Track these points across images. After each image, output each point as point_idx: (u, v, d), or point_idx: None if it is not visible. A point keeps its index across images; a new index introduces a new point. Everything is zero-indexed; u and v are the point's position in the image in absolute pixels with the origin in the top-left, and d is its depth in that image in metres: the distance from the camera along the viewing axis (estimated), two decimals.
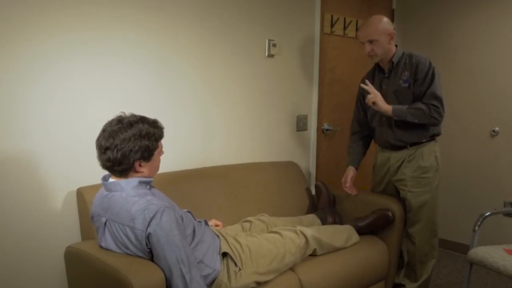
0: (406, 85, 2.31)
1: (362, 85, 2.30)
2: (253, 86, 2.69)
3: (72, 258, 1.70)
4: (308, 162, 3.10)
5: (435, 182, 2.36)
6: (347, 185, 2.56)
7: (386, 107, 2.28)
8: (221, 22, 2.48)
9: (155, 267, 1.49)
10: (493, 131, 3.18)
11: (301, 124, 3.01)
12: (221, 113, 2.55)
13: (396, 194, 2.48)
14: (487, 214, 2.33)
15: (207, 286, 1.68)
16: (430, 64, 2.27)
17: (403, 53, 2.37)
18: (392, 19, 3.61)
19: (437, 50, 3.47)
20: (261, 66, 2.72)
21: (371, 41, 2.32)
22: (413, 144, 2.35)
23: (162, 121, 1.71)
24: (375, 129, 2.51)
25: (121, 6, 2.07)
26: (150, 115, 1.69)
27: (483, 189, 3.26)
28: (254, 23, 2.65)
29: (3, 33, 1.74)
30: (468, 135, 3.33)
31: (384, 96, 2.34)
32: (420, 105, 2.26)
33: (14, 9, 1.76)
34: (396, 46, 2.39)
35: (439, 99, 2.25)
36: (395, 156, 2.41)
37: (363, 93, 2.54)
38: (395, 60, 2.36)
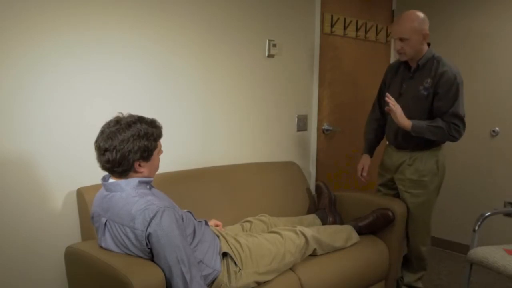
0: (425, 93, 2.23)
1: (386, 98, 2.22)
2: (253, 86, 2.69)
3: (72, 258, 1.70)
4: (308, 162, 3.10)
5: (433, 185, 2.35)
6: (365, 174, 2.57)
7: (405, 123, 2.20)
8: (221, 22, 2.49)
9: (155, 267, 1.49)
10: (493, 131, 3.18)
11: (301, 124, 3.01)
12: (221, 113, 2.55)
13: (397, 191, 2.50)
14: (487, 214, 2.34)
15: (207, 286, 1.68)
16: (455, 78, 2.15)
17: (433, 56, 2.25)
18: (392, 19, 3.61)
19: (437, 50, 3.46)
20: (261, 66, 2.72)
21: (402, 39, 2.21)
22: (415, 148, 2.34)
23: (162, 121, 1.71)
24: (387, 123, 2.50)
25: (122, 6, 2.07)
26: (150, 115, 1.69)
27: (483, 189, 3.26)
28: (254, 23, 2.65)
29: (3, 33, 1.74)
30: (468, 135, 3.31)
31: (402, 96, 2.31)
32: (440, 123, 2.19)
33: (14, 9, 1.76)
34: (429, 44, 2.27)
35: (460, 118, 2.18)
36: (397, 155, 2.43)
37: (385, 81, 2.49)
38: (421, 62, 2.25)
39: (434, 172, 2.34)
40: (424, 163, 2.33)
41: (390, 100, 2.20)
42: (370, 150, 2.60)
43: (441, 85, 2.18)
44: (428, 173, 2.33)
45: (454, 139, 2.23)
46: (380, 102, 2.55)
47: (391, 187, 2.54)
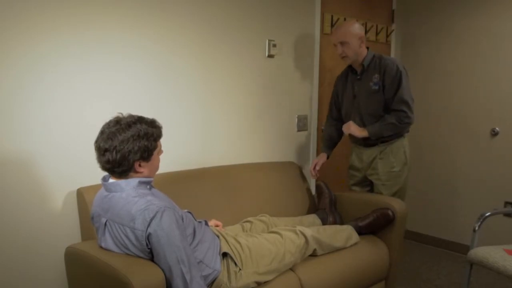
0: (377, 87, 2.42)
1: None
2: (253, 86, 2.69)
3: (72, 258, 1.70)
4: (308, 162, 3.10)
5: (404, 175, 2.51)
6: (318, 168, 2.70)
7: (362, 133, 2.46)
8: (222, 22, 2.49)
9: (155, 267, 1.49)
10: (493, 131, 3.18)
11: (301, 124, 3.01)
12: (221, 113, 2.55)
13: (371, 186, 2.64)
14: (487, 214, 2.34)
15: (207, 286, 1.68)
16: (397, 68, 2.36)
17: (374, 56, 2.47)
18: (392, 19, 3.61)
19: (437, 50, 3.47)
20: (261, 66, 2.72)
21: (342, 43, 2.42)
22: (383, 141, 2.48)
23: (162, 121, 1.71)
24: None
25: (122, 6, 2.07)
26: (150, 115, 1.69)
27: (483, 189, 3.26)
28: (254, 23, 2.65)
29: (3, 33, 1.74)
30: (468, 135, 3.33)
31: (357, 97, 2.49)
32: (389, 119, 2.39)
33: (14, 9, 1.76)
34: (367, 48, 2.49)
35: (406, 102, 2.36)
36: (367, 153, 2.56)
37: (337, 92, 2.69)
38: (365, 63, 2.46)
39: (403, 162, 2.50)
40: (394, 155, 2.48)
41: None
42: (328, 150, 2.76)
43: (387, 76, 2.38)
44: (399, 164, 2.49)
45: (407, 125, 2.42)
46: (332, 112, 2.75)
47: (364, 185, 2.69)
